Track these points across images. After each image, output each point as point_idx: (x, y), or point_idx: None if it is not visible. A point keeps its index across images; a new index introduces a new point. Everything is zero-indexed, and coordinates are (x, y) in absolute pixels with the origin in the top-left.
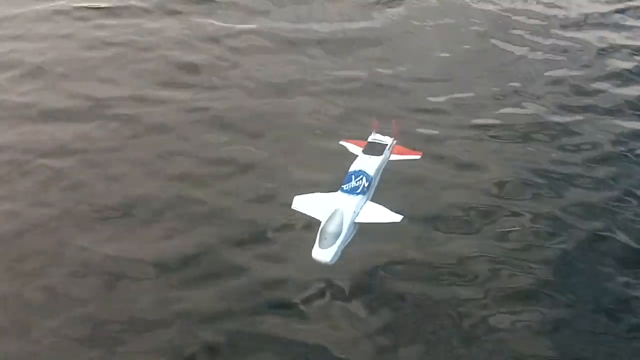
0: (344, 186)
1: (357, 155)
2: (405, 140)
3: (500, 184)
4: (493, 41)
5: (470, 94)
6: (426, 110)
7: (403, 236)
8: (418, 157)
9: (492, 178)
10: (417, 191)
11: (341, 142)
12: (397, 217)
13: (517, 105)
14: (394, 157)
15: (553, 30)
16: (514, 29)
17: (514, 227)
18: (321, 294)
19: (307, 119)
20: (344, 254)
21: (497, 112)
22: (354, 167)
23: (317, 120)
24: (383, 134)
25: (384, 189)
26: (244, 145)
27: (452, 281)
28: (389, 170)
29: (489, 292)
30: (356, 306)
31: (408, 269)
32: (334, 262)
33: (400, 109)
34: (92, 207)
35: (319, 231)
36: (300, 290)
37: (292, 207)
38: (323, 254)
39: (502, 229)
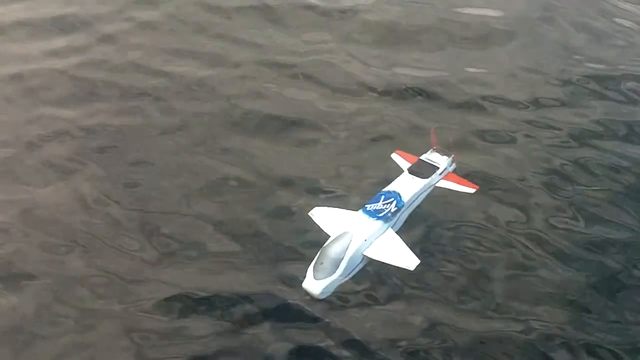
0: (367, 206)
1: (401, 172)
2: (474, 139)
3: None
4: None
5: (556, 88)
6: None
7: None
8: (472, 191)
9: (576, 191)
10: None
11: (394, 154)
12: (412, 263)
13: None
14: (443, 184)
15: None
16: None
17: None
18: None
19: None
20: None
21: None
22: (390, 186)
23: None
24: (443, 146)
25: None
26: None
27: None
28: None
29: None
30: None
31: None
32: (324, 296)
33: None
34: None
35: (317, 255)
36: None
37: (309, 213)
38: (314, 285)
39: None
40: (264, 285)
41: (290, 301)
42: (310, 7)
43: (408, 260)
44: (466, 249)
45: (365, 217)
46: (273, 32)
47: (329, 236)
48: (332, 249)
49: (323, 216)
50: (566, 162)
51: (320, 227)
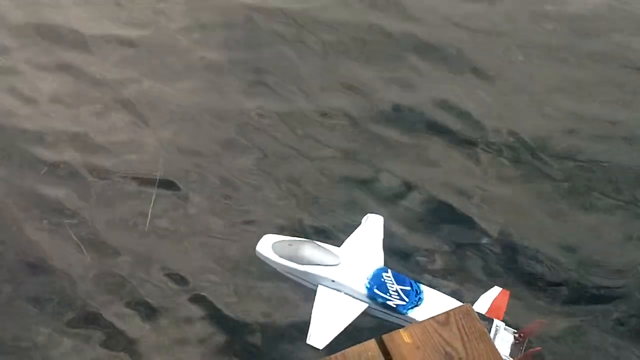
0: (389, 271)
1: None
2: None
3: None
4: None
5: None
6: None
7: None
8: None
9: None
10: None
11: (496, 288)
12: (319, 342)
13: None
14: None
15: None
16: None
17: None
18: None
19: None
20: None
21: None
22: (431, 289)
23: None
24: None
25: None
26: None
27: None
28: None
29: None
30: None
31: None
32: (258, 255)
33: None
34: None
35: (304, 239)
36: None
37: (368, 214)
38: (265, 245)
39: None
40: None
41: None
42: None
43: (320, 335)
44: None
45: (369, 275)
46: None
47: (345, 241)
48: (310, 251)
49: (370, 226)
50: None
51: (356, 229)
